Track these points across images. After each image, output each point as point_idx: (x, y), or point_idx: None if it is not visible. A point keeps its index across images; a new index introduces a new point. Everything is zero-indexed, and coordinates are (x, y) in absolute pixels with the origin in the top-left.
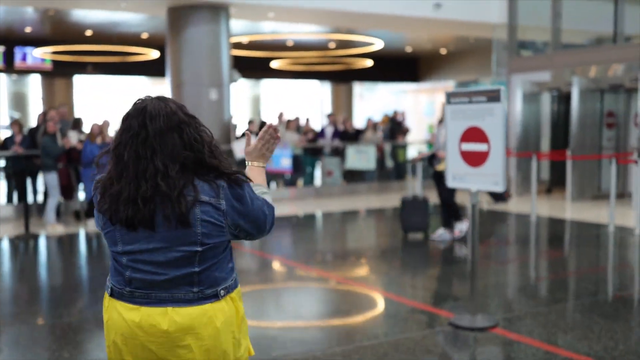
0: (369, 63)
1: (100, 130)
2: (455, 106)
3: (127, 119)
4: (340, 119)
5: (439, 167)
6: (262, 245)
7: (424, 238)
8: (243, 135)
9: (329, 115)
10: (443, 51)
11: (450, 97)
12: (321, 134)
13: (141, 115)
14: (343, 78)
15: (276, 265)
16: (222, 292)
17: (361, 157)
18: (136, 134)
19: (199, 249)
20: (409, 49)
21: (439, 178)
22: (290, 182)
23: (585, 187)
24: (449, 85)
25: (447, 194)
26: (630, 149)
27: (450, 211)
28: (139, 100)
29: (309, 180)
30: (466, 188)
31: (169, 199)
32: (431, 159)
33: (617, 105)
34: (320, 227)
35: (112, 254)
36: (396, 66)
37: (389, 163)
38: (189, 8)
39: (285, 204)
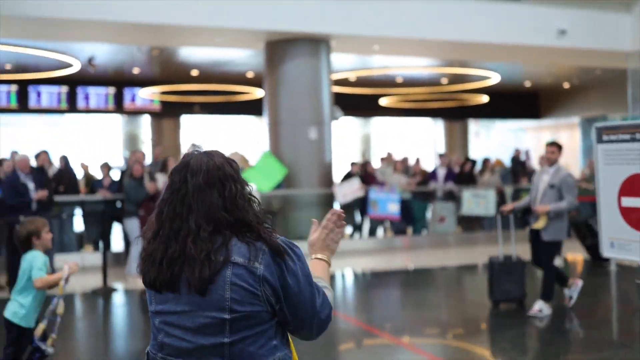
0: (484, 99)
1: None
2: (611, 145)
3: (172, 174)
4: (454, 159)
5: (537, 224)
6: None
7: (518, 309)
8: (348, 177)
9: (441, 156)
10: (566, 85)
11: (602, 132)
12: (432, 175)
13: (184, 170)
14: (457, 115)
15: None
16: None
17: (479, 202)
18: (177, 190)
19: (227, 316)
20: (527, 84)
21: (535, 237)
22: (398, 230)
23: None
24: (574, 121)
25: (546, 258)
26: None
27: (550, 279)
28: (186, 153)
29: (420, 227)
30: (632, 259)
31: (194, 262)
32: (526, 213)
33: None
34: (434, 284)
35: (150, 315)
36: (514, 102)
37: None
38: (288, 42)
39: (396, 254)
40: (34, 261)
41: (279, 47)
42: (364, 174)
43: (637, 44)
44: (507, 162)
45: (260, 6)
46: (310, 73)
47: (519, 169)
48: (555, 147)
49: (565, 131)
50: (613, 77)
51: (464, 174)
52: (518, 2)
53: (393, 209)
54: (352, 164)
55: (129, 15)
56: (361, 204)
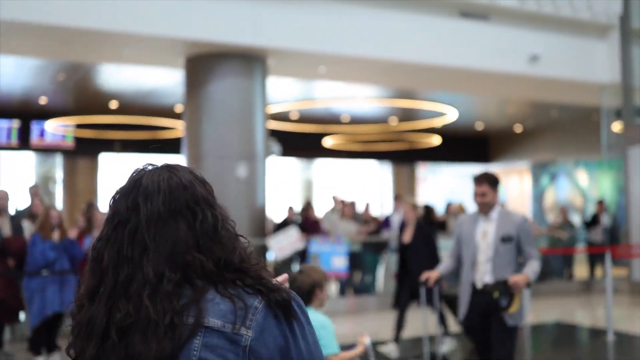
0: (435, 140)
1: (60, 219)
2: None
3: (114, 199)
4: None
5: (513, 307)
6: None
7: None
8: (284, 225)
9: (396, 198)
10: (518, 128)
11: None
12: (386, 223)
13: (133, 192)
14: (405, 158)
15: None
16: None
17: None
18: (123, 222)
19: None
20: (479, 126)
21: (482, 324)
22: (344, 289)
23: None
24: (523, 166)
25: (508, 352)
26: None
27: None
28: (136, 169)
29: (371, 284)
30: None
31: (154, 329)
32: (500, 293)
33: None
34: None
35: None
36: (464, 145)
37: None
38: (214, 57)
39: (339, 321)
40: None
41: (203, 64)
42: (305, 221)
43: (612, 76)
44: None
45: (178, 8)
46: (242, 97)
47: None
48: (485, 183)
49: (515, 176)
50: (567, 119)
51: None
52: (486, 20)
53: (339, 263)
54: (289, 208)
55: (18, 14)
56: (300, 258)
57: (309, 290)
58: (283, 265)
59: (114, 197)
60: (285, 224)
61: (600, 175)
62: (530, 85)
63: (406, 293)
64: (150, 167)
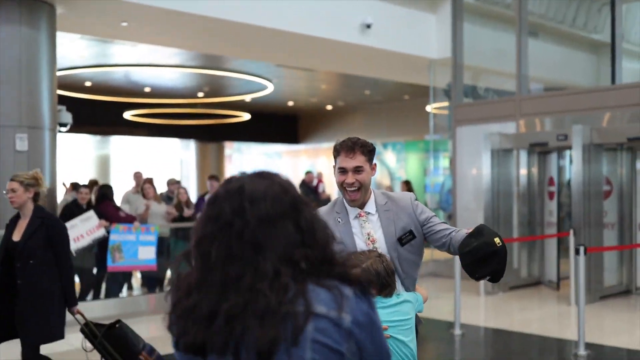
0: (244, 117)
1: None
2: None
3: (214, 202)
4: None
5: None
6: None
7: None
8: (73, 209)
9: (211, 178)
10: (329, 108)
11: None
12: (200, 204)
13: (237, 196)
14: (212, 136)
15: None
16: None
17: None
18: (228, 223)
19: None
20: (290, 104)
21: None
22: (153, 284)
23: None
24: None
25: None
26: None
27: None
28: (231, 178)
29: None
30: None
31: (273, 316)
32: None
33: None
34: None
35: None
36: (274, 124)
37: None
38: None
39: (145, 323)
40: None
41: None
42: (100, 205)
43: (441, 51)
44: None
45: None
46: (23, 50)
47: (310, 195)
48: (359, 153)
49: (324, 156)
50: (378, 99)
51: None
52: None
53: (147, 254)
54: (75, 186)
55: None
56: (99, 248)
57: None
58: (83, 255)
59: (214, 201)
60: (75, 207)
61: (407, 156)
62: (359, 56)
63: None
64: (246, 175)
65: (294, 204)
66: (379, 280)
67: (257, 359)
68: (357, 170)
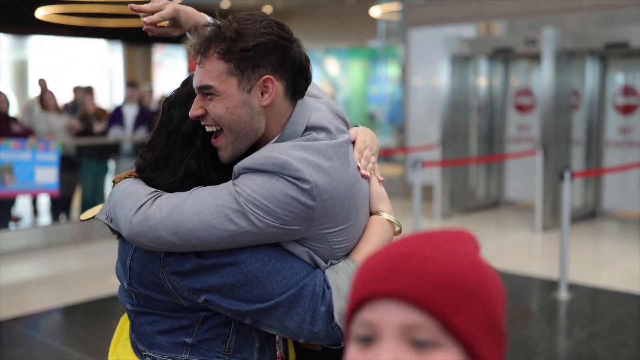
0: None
1: None
2: None
3: (169, 107)
4: (147, 92)
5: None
6: None
7: None
8: None
9: (130, 85)
10: (267, 10)
11: None
12: (116, 117)
13: (186, 103)
14: (140, 38)
15: None
16: None
17: None
18: (175, 130)
19: None
20: (225, 4)
21: None
22: (57, 213)
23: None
24: None
25: None
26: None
27: None
28: (187, 79)
29: (94, 205)
30: None
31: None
32: None
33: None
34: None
35: None
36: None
37: None
38: None
39: (52, 256)
40: None
41: None
42: None
43: None
44: None
45: None
46: None
47: None
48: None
49: None
50: (319, 3)
51: None
52: None
53: (47, 177)
54: None
55: None
56: None
57: None
58: None
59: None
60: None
61: (351, 63)
62: None
63: None
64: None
65: None
66: None
67: None
68: (206, 93)
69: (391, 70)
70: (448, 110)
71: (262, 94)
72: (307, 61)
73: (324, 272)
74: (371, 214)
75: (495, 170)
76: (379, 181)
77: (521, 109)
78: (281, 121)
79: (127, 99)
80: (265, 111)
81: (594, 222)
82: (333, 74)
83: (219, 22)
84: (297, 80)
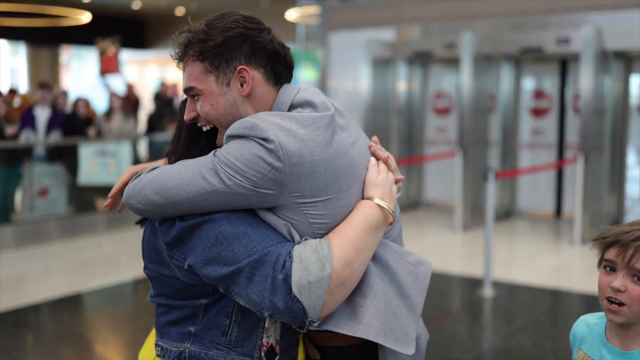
0: (84, 19)
1: None
2: None
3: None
4: (62, 96)
5: None
6: None
7: None
8: None
9: (43, 87)
10: (180, 12)
11: None
12: (27, 120)
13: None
14: (46, 39)
15: None
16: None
17: (107, 164)
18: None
19: None
20: (136, 5)
21: None
22: None
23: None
24: None
25: None
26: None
27: None
28: None
29: (4, 212)
30: None
31: None
32: None
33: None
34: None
35: None
36: (118, 27)
37: None
38: None
39: None
40: None
41: None
42: None
43: None
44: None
45: None
46: None
47: (165, 111)
48: None
49: (175, 65)
50: (235, 5)
51: (78, 119)
52: None
53: None
54: None
55: None
56: None
57: None
58: None
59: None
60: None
61: None
62: None
63: None
64: None
65: None
66: None
67: None
68: (192, 95)
69: (308, 74)
70: (369, 113)
71: (241, 84)
72: (283, 46)
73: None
74: (364, 199)
75: (415, 172)
76: (397, 180)
77: (439, 111)
78: (269, 104)
79: (40, 101)
80: (249, 100)
81: (510, 221)
82: None
83: (190, 28)
84: (274, 65)
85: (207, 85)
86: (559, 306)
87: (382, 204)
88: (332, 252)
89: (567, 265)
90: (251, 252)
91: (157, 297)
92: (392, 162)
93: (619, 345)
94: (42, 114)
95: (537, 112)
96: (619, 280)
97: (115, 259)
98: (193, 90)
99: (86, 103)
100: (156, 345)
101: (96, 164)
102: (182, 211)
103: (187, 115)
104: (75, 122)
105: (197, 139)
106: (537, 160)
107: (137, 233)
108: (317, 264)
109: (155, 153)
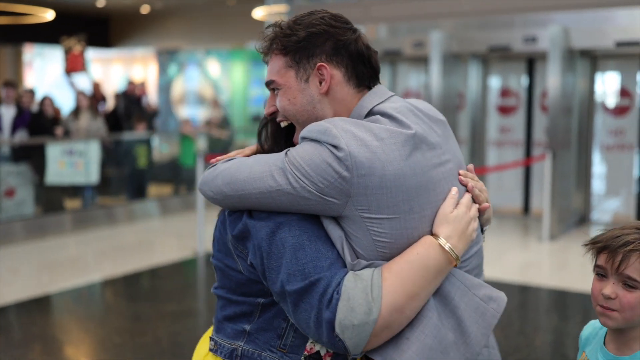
0: (48, 16)
1: None
2: None
3: None
4: (27, 94)
5: None
6: None
7: None
8: None
9: (7, 85)
10: (145, 10)
11: None
12: None
13: None
14: (8, 37)
15: None
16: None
17: (75, 163)
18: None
19: None
20: (101, 3)
21: None
22: None
23: None
24: (149, 54)
25: None
26: None
27: None
28: None
29: None
30: None
31: None
32: None
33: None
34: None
35: None
36: (81, 25)
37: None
38: None
39: None
40: None
41: None
42: None
43: None
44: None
45: None
46: None
47: (133, 109)
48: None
49: (139, 64)
50: (199, 3)
51: (45, 118)
52: None
53: None
54: None
55: None
56: None
57: None
58: None
59: None
60: None
61: (232, 65)
62: None
63: None
64: None
65: None
66: None
67: None
68: (272, 88)
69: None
70: None
71: (320, 82)
72: (369, 48)
73: (346, 274)
74: (432, 234)
75: None
76: (483, 209)
77: None
78: (348, 108)
79: (4, 100)
80: (328, 100)
81: None
82: (214, 75)
83: (278, 22)
84: (357, 66)
85: (286, 79)
86: (529, 302)
87: (447, 246)
88: (382, 296)
89: (536, 261)
90: (301, 273)
91: (219, 289)
92: (482, 192)
93: (613, 350)
94: (7, 113)
95: (505, 110)
96: (609, 287)
97: (84, 259)
98: (273, 83)
99: (50, 102)
100: (211, 338)
101: (64, 163)
102: (249, 205)
103: (267, 110)
104: (42, 121)
105: (280, 139)
106: (505, 157)
107: (106, 234)
108: (364, 306)
109: (123, 152)
